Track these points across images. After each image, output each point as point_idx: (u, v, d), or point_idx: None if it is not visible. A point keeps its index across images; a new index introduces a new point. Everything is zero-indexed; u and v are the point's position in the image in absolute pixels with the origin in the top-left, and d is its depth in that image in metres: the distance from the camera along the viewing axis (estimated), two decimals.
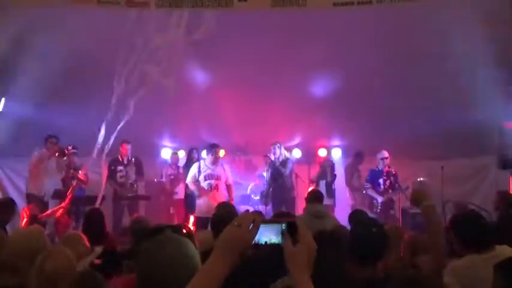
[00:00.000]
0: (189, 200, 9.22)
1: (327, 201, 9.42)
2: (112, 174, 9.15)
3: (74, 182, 8.03)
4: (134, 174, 9.17)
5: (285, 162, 8.94)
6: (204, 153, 9.01)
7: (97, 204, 7.84)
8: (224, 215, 5.08)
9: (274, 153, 8.86)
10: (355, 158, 9.99)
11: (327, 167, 9.79)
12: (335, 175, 9.84)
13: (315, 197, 5.91)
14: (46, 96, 8.25)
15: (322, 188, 9.43)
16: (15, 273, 2.55)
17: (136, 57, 7.87)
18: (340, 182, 9.96)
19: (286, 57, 7.91)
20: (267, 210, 8.78)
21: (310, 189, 7.65)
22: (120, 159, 9.18)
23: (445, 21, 7.26)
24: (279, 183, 8.89)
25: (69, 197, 7.40)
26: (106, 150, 8.28)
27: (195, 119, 9.58)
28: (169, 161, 10.44)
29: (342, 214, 9.57)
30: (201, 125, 9.90)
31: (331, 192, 9.55)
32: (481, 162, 9.89)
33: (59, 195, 8.32)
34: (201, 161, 8.48)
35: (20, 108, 8.33)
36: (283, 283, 1.69)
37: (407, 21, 7.33)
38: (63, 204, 7.26)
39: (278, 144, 8.95)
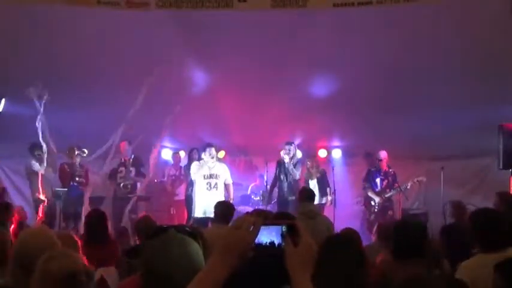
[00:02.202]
0: (190, 201, 9.24)
1: (320, 200, 9.34)
2: (113, 174, 9.19)
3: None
4: (134, 175, 9.18)
5: (296, 164, 8.84)
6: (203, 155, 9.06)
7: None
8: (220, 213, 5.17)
9: (289, 154, 8.74)
10: (368, 159, 9.90)
11: (310, 167, 9.63)
12: (324, 171, 9.64)
13: (306, 196, 5.87)
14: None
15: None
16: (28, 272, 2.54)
17: (136, 57, 7.87)
18: (339, 182, 9.93)
19: (286, 57, 7.91)
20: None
21: (301, 188, 7.59)
22: (122, 159, 9.22)
23: (445, 22, 7.26)
24: (288, 183, 8.81)
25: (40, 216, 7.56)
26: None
27: (195, 120, 9.58)
28: (172, 161, 10.45)
29: (343, 215, 9.61)
30: (201, 126, 9.90)
31: (323, 191, 9.38)
32: (481, 162, 9.90)
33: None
34: (201, 161, 8.48)
35: (20, 109, 8.32)
36: None
37: (407, 21, 7.32)
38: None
39: (294, 145, 8.84)
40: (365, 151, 9.95)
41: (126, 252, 4.24)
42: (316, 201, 9.27)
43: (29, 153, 8.48)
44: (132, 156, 9.22)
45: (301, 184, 9.24)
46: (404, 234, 2.95)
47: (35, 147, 8.35)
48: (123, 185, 9.03)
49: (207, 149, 8.34)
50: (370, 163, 9.75)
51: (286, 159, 8.70)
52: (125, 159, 9.21)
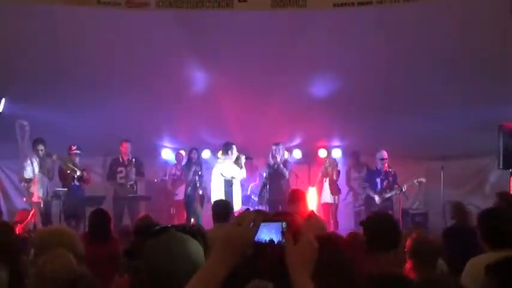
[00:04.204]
0: (189, 201, 9.24)
1: (329, 199, 9.39)
2: (112, 174, 9.18)
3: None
4: (134, 175, 9.17)
5: (285, 163, 8.95)
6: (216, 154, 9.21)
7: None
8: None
9: (278, 154, 8.85)
10: (350, 158, 10.05)
11: (328, 165, 9.75)
12: (339, 171, 9.78)
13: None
14: (46, 97, 8.24)
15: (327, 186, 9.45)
16: None
17: (136, 57, 7.88)
18: (339, 182, 9.93)
19: (286, 57, 7.90)
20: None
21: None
22: (121, 159, 9.20)
23: (445, 22, 7.25)
24: (277, 184, 8.86)
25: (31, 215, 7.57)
26: None
27: (195, 120, 9.57)
28: (175, 160, 10.43)
29: (343, 215, 9.62)
30: (201, 126, 9.90)
31: (335, 190, 9.46)
32: (481, 162, 9.89)
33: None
34: (225, 160, 8.59)
35: (20, 109, 8.32)
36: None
37: (407, 21, 7.32)
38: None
39: (281, 145, 8.94)
40: (352, 150, 10.05)
41: (125, 253, 4.22)
42: (328, 200, 9.38)
43: (31, 148, 8.39)
44: (130, 156, 9.20)
45: (318, 182, 9.58)
46: (375, 227, 2.98)
47: (39, 142, 8.33)
48: (129, 185, 9.03)
49: (233, 147, 8.54)
50: (354, 163, 9.87)
51: (278, 158, 8.84)
52: (123, 159, 9.19)
